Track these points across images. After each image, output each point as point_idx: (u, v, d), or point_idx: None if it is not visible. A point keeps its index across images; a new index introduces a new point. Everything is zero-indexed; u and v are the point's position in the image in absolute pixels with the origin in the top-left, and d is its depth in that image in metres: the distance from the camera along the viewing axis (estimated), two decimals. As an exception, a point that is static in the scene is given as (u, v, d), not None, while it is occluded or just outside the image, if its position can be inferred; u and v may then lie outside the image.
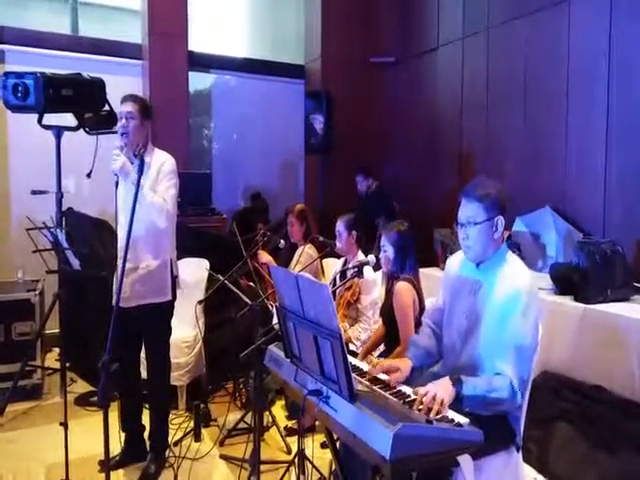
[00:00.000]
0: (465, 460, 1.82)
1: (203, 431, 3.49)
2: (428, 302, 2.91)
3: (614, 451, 2.67)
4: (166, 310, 3.06)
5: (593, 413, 2.82)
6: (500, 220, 2.09)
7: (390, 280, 3.01)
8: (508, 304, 2.00)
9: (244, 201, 6.41)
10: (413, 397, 1.92)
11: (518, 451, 2.14)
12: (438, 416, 1.75)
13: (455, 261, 2.33)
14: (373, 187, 5.73)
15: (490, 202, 2.07)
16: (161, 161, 2.99)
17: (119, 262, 2.45)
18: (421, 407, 1.80)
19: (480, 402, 1.92)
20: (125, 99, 2.95)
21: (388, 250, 2.95)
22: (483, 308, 2.08)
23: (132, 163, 2.78)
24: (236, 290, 3.09)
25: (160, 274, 2.98)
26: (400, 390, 2.00)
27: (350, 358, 1.93)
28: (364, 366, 2.27)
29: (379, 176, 5.93)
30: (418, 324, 2.66)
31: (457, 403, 1.89)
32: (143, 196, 2.78)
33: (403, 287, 2.87)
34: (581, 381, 2.99)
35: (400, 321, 2.90)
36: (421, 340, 2.34)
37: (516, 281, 2.03)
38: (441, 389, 1.86)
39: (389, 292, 3.00)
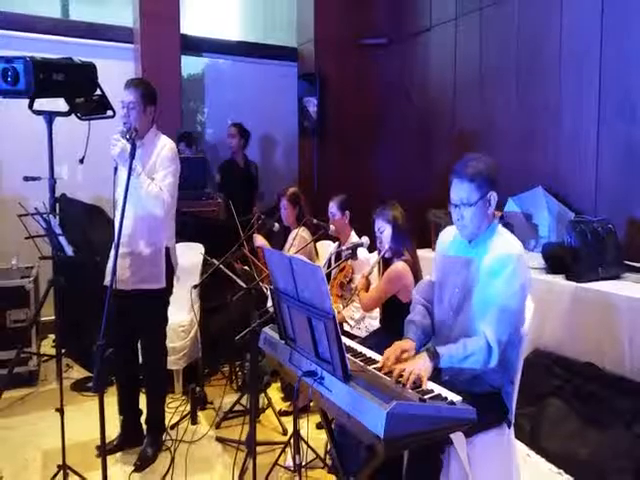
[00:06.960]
0: (458, 437, 1.85)
1: (199, 414, 3.52)
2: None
3: (605, 427, 2.71)
4: (160, 297, 3.03)
5: (584, 390, 2.87)
6: (493, 195, 2.12)
7: (388, 263, 2.96)
8: (495, 267, 2.04)
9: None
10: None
11: (510, 427, 2.18)
12: (419, 389, 1.81)
13: (446, 237, 2.33)
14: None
15: (481, 180, 2.08)
16: (161, 147, 2.95)
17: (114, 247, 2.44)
18: (400, 380, 1.85)
19: (458, 370, 1.99)
20: (127, 85, 2.90)
21: (385, 229, 2.92)
22: (475, 279, 2.11)
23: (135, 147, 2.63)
24: (231, 274, 3.09)
25: (153, 260, 2.96)
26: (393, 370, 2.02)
27: (344, 339, 1.94)
28: (357, 346, 2.29)
29: (371, 157, 5.95)
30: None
31: (436, 374, 1.95)
32: (139, 183, 2.76)
33: (401, 266, 2.85)
34: (573, 358, 3.03)
35: (377, 288, 2.90)
36: (417, 319, 2.29)
37: (506, 248, 2.07)
38: (420, 365, 1.91)
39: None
